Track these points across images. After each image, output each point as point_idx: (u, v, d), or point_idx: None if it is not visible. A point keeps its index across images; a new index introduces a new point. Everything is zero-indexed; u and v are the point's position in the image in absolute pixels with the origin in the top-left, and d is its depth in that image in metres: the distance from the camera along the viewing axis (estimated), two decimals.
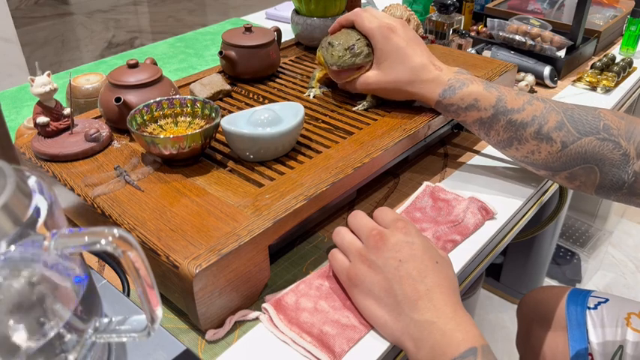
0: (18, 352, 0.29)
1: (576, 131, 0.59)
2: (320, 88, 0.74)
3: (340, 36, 0.67)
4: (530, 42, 1.00)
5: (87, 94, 0.78)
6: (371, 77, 0.67)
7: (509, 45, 1.03)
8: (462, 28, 1.05)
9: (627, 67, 1.01)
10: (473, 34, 1.10)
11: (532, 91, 0.95)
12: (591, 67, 1.02)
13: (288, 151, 0.60)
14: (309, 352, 0.47)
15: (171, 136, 0.55)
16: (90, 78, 0.80)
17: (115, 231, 0.30)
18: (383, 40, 0.65)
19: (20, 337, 0.29)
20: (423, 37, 0.95)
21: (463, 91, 0.62)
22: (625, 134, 0.58)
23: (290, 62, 0.85)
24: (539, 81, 0.97)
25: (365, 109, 0.69)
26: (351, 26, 0.69)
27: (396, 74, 0.65)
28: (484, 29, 1.12)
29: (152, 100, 0.61)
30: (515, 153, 0.63)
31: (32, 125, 0.63)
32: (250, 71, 0.76)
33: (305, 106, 0.69)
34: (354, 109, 0.69)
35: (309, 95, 0.73)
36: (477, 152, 0.76)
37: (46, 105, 0.61)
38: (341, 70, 0.67)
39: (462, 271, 0.57)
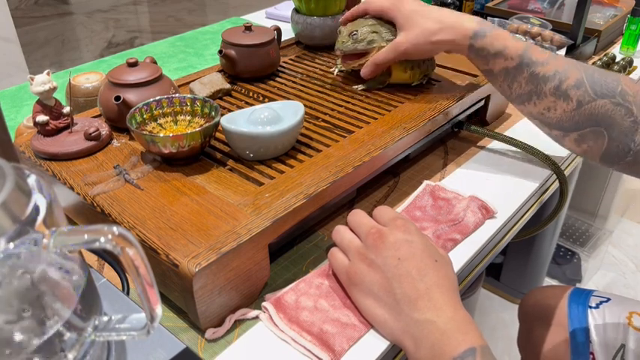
0: (17, 351, 0.29)
1: (593, 92, 0.60)
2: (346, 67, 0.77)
3: (352, 24, 0.72)
4: (530, 41, 1.00)
5: (86, 93, 0.78)
6: (399, 40, 0.69)
7: None
8: None
9: (627, 66, 1.01)
10: None
11: None
12: None
13: (288, 149, 0.60)
14: (309, 350, 0.46)
15: (171, 134, 0.55)
16: (89, 77, 0.80)
17: (115, 229, 0.29)
18: (396, 9, 0.69)
19: (19, 335, 0.29)
20: None
21: (492, 35, 0.63)
22: (639, 102, 0.59)
23: (290, 61, 0.85)
24: None
25: (365, 89, 0.74)
26: (363, 15, 0.73)
27: (422, 27, 0.67)
28: None
29: (152, 99, 0.61)
30: (532, 109, 0.64)
31: (32, 124, 0.63)
32: (250, 70, 0.76)
33: (305, 105, 0.69)
34: (354, 86, 0.74)
35: (334, 72, 0.78)
36: (477, 151, 0.76)
37: (45, 104, 0.60)
38: (344, 54, 0.73)
39: (462, 271, 0.57)
